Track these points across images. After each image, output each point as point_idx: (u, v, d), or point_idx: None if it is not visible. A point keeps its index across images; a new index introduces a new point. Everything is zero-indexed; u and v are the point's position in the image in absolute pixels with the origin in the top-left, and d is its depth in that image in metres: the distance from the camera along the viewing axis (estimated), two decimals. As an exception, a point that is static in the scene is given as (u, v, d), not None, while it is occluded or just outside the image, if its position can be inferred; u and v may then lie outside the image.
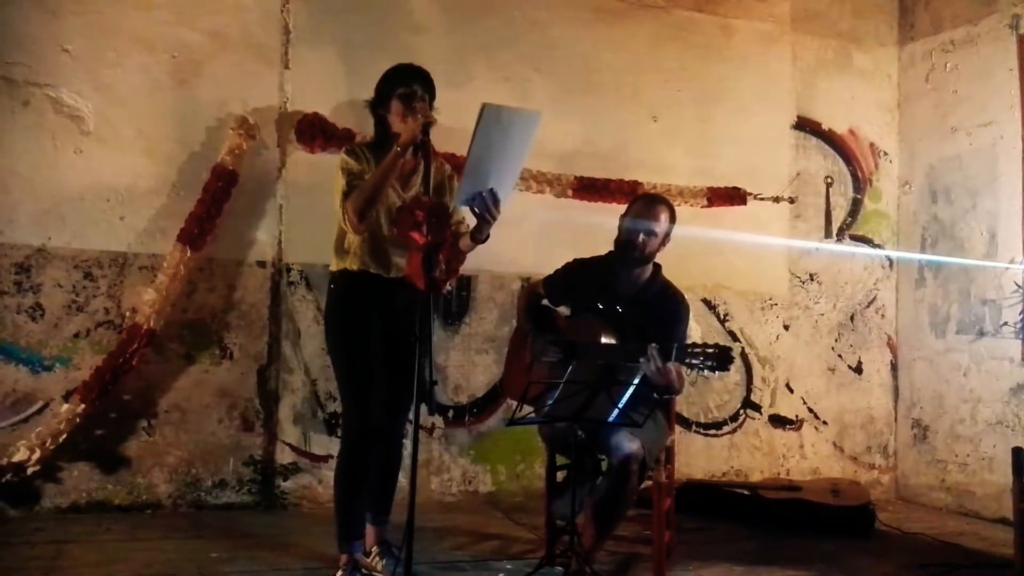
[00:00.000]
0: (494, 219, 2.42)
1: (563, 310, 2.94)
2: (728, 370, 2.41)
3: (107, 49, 3.35)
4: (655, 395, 2.57)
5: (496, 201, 2.39)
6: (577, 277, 2.85)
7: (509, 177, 2.42)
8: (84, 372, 3.27)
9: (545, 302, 2.93)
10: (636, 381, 2.37)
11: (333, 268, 2.59)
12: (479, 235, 2.48)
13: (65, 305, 3.31)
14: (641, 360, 2.44)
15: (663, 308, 2.71)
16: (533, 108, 2.40)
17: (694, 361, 2.40)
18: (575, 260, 2.90)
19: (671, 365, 2.44)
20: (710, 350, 2.39)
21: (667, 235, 2.76)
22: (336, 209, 2.51)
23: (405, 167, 2.52)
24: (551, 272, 2.94)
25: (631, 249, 2.72)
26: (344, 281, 2.54)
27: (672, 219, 2.77)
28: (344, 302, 2.55)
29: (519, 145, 2.36)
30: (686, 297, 2.79)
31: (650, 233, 2.71)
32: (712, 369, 2.38)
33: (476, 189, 2.36)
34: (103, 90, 3.35)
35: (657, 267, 2.80)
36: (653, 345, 2.42)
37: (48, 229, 3.29)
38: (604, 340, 2.63)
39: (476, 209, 2.40)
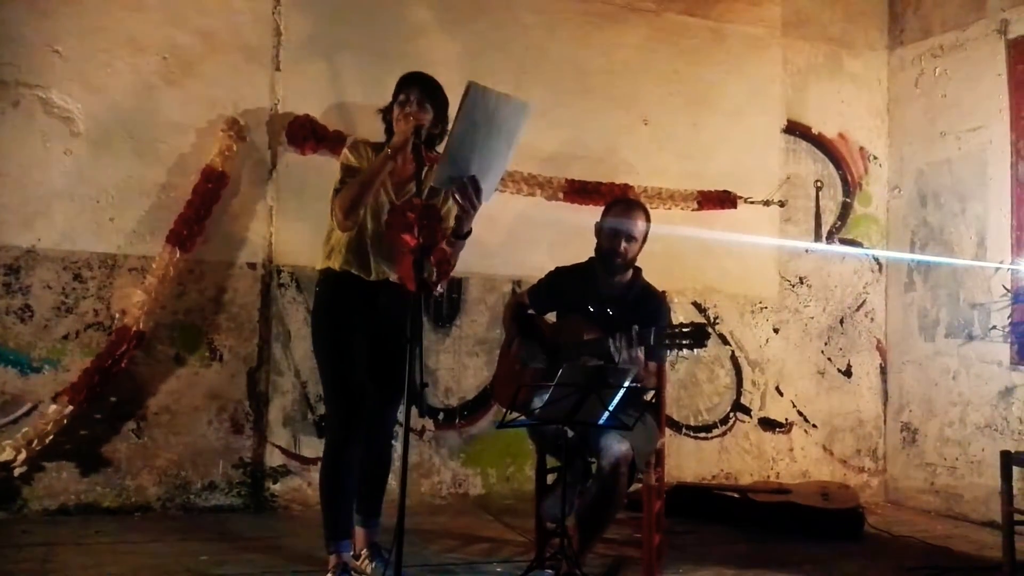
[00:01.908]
0: (475, 208, 2.36)
1: (550, 318, 2.96)
2: (705, 346, 2.47)
3: (97, 50, 3.35)
4: (629, 387, 2.58)
5: (478, 190, 2.31)
6: (560, 285, 2.88)
7: (494, 169, 2.35)
8: (73, 374, 3.25)
9: (531, 312, 2.95)
10: (626, 383, 2.38)
11: (319, 267, 2.60)
12: (460, 228, 2.43)
13: (54, 307, 3.29)
14: (611, 348, 2.45)
15: (645, 307, 2.74)
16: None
17: (673, 342, 2.42)
18: (556, 269, 2.93)
19: (639, 354, 2.48)
20: (686, 329, 2.43)
21: (645, 237, 2.79)
22: (330, 204, 2.51)
23: (403, 172, 2.52)
24: (535, 282, 2.97)
25: (614, 256, 2.75)
26: (328, 281, 2.56)
27: (647, 220, 2.81)
28: (328, 302, 2.56)
29: (506, 135, 2.29)
30: (671, 299, 2.83)
31: (630, 239, 2.74)
32: (691, 347, 2.43)
33: (456, 173, 2.29)
34: (93, 91, 3.34)
35: (637, 269, 2.84)
36: (635, 328, 2.46)
37: (37, 230, 3.28)
38: (587, 337, 2.66)
39: (457, 197, 2.35)
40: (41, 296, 3.27)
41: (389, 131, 2.57)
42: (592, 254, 2.84)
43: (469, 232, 2.45)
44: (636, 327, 2.48)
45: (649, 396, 2.77)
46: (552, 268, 2.95)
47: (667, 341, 2.45)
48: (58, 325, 3.29)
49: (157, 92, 3.41)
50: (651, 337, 2.46)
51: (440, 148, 2.49)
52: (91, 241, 3.33)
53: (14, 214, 3.25)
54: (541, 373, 2.73)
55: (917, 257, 4.26)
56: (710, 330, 2.49)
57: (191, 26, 3.46)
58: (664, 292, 2.87)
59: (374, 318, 2.53)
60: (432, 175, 2.43)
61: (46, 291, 3.28)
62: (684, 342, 2.42)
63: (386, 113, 2.58)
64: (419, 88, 2.51)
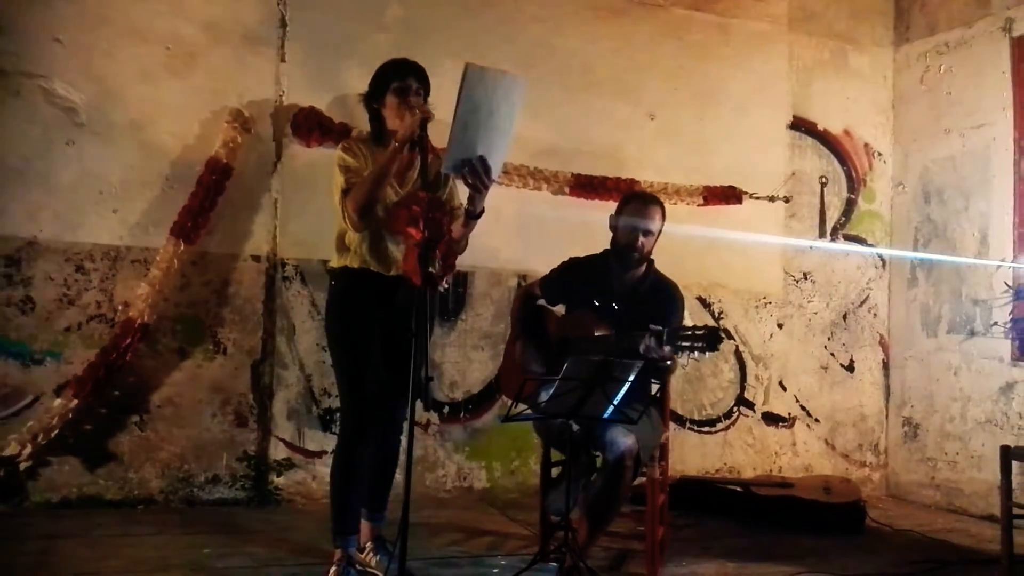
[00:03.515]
0: (486, 188, 2.36)
1: (560, 309, 2.95)
2: (718, 350, 2.44)
3: (100, 39, 3.32)
4: (652, 376, 2.56)
5: (487, 169, 2.32)
6: (572, 276, 2.87)
7: (499, 146, 2.35)
8: (75, 366, 3.24)
9: (541, 302, 2.94)
10: (631, 377, 2.38)
11: (334, 265, 2.57)
12: (473, 209, 2.43)
13: (56, 298, 3.27)
14: (642, 347, 2.46)
15: (657, 299, 2.75)
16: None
17: (684, 344, 2.42)
18: (570, 259, 2.91)
19: (667, 349, 2.48)
20: (699, 331, 2.42)
21: (660, 231, 2.80)
22: (335, 206, 2.49)
23: (401, 163, 2.50)
24: (547, 272, 2.96)
25: (631, 251, 2.75)
26: (345, 279, 2.53)
27: (664, 215, 2.82)
28: (344, 300, 2.53)
29: (506, 111, 2.30)
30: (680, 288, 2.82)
31: (648, 233, 2.75)
32: (702, 351, 2.40)
33: (464, 156, 2.29)
34: (96, 81, 3.31)
35: (650, 262, 2.84)
36: (652, 327, 2.46)
37: (39, 222, 3.25)
38: (597, 333, 2.65)
39: (468, 179, 2.35)
40: (43, 288, 3.26)
41: (375, 118, 2.53)
42: (604, 247, 2.83)
43: (483, 211, 2.46)
44: (651, 327, 2.47)
45: (654, 390, 2.78)
46: (565, 259, 2.92)
47: (679, 343, 2.44)
48: (60, 317, 3.27)
49: (160, 83, 3.39)
50: (663, 337, 2.44)
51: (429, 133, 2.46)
52: (93, 233, 3.31)
53: (16, 205, 3.23)
54: (548, 366, 2.73)
55: (920, 255, 4.27)
56: (723, 334, 2.44)
57: (195, 16, 3.43)
58: (676, 284, 2.85)
59: (391, 314, 2.51)
60: (435, 166, 2.42)
61: (48, 283, 3.26)
62: (697, 344, 2.40)
63: (370, 100, 2.53)
64: (415, 77, 2.49)
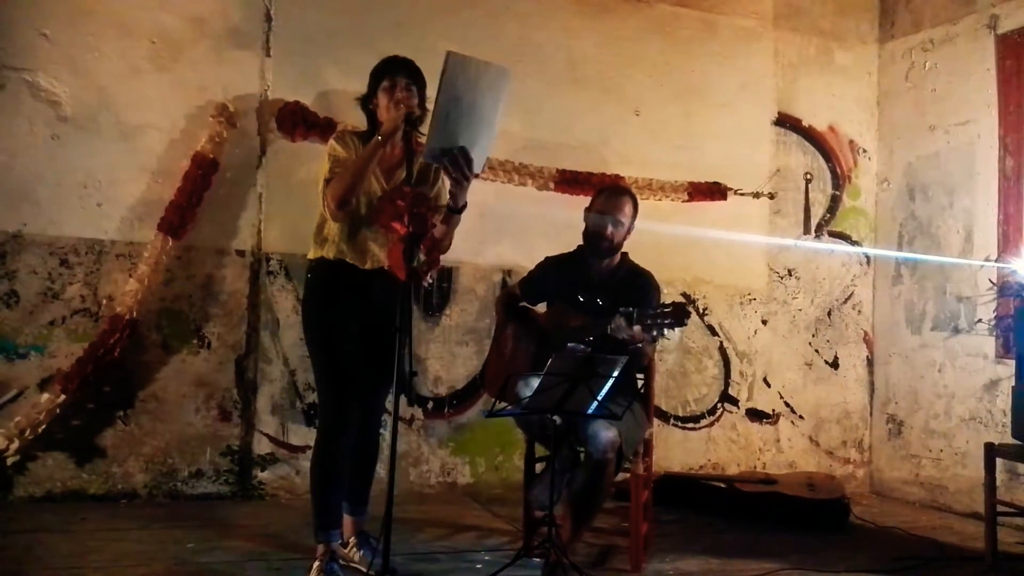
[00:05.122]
0: (468, 180, 2.35)
1: (542, 308, 2.96)
2: (685, 324, 2.45)
3: (85, 33, 3.31)
4: (630, 362, 2.57)
5: (469, 161, 2.31)
6: (550, 273, 2.89)
7: (482, 139, 2.34)
8: (60, 360, 3.24)
9: (523, 304, 2.95)
10: (616, 373, 2.39)
11: (310, 256, 2.57)
12: (455, 203, 2.42)
13: (40, 292, 3.27)
14: (611, 327, 2.48)
15: (635, 284, 2.77)
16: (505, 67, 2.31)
17: (652, 321, 2.44)
18: (546, 258, 2.94)
19: (636, 329, 2.48)
20: (667, 308, 2.44)
21: (632, 221, 2.81)
22: (319, 194, 2.49)
23: (391, 159, 2.50)
24: (526, 273, 2.98)
25: (600, 240, 2.77)
26: (321, 270, 2.53)
27: (635, 207, 2.83)
28: (321, 292, 2.53)
29: (490, 103, 2.28)
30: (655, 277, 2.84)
31: (617, 224, 2.76)
32: (671, 327, 2.42)
33: (444, 145, 2.28)
34: (81, 75, 3.30)
35: (624, 254, 2.86)
36: (621, 309, 2.49)
37: (23, 215, 3.25)
38: (573, 324, 2.67)
39: (449, 170, 2.34)
40: (27, 281, 3.25)
41: (371, 119, 2.54)
42: (582, 242, 2.84)
43: (465, 206, 2.45)
44: (620, 308, 2.49)
45: (639, 385, 2.78)
46: (542, 258, 2.95)
47: (648, 322, 2.45)
48: (44, 311, 3.26)
49: (146, 77, 3.38)
50: (632, 317, 2.46)
51: (423, 128, 2.46)
52: (78, 226, 3.30)
53: (0, 198, 3.21)
54: (531, 361, 2.74)
55: (904, 255, 4.29)
56: (690, 309, 2.47)
57: (180, 10, 3.42)
58: (650, 272, 2.87)
59: (367, 307, 2.51)
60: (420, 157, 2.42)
61: (32, 276, 3.25)
62: (665, 321, 2.42)
63: (365, 101, 2.54)
64: (404, 73, 2.49)
